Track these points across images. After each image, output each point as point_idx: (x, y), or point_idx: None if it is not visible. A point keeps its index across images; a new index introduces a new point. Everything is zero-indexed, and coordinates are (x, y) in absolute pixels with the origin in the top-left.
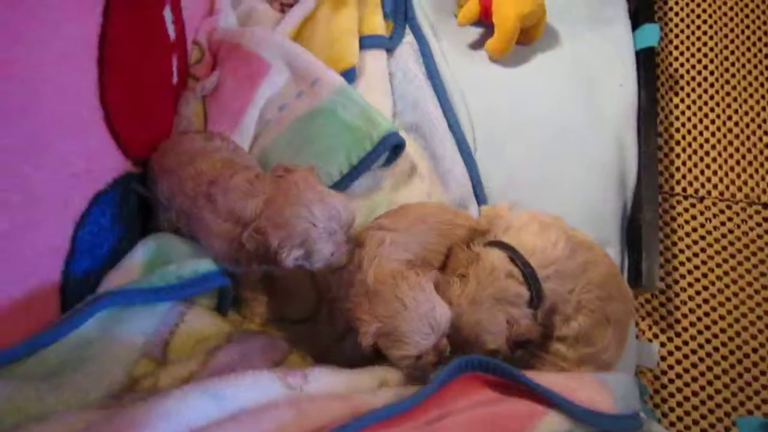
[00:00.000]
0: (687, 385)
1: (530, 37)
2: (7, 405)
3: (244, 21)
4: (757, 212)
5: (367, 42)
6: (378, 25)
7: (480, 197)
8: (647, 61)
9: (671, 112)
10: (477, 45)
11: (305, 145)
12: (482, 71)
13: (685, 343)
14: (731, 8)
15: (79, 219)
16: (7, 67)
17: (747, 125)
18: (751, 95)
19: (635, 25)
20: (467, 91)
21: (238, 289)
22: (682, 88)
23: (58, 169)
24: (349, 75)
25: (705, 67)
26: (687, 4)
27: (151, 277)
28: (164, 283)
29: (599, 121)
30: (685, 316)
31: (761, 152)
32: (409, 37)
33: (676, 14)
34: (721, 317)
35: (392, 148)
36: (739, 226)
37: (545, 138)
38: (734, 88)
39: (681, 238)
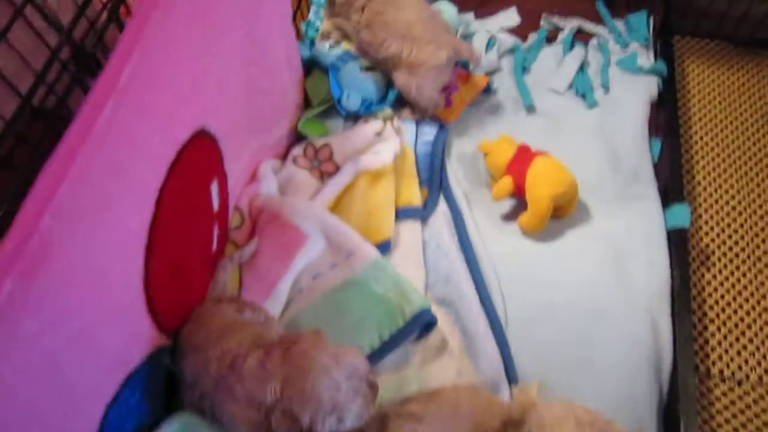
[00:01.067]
0: None
1: (563, 212)
2: None
3: (284, 186)
4: None
5: (402, 214)
6: (413, 196)
7: (511, 377)
8: (679, 241)
9: (703, 289)
10: (510, 217)
11: (336, 316)
12: (514, 244)
13: None
14: (758, 185)
15: (110, 401)
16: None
17: None
18: None
19: (665, 203)
20: (499, 264)
21: None
22: (713, 264)
23: (97, 360)
24: (384, 247)
25: (736, 243)
26: (714, 179)
27: None
28: None
29: (632, 302)
30: None
31: None
32: (443, 206)
33: (705, 189)
34: None
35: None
36: None
37: (578, 318)
38: (767, 265)
39: (720, 425)
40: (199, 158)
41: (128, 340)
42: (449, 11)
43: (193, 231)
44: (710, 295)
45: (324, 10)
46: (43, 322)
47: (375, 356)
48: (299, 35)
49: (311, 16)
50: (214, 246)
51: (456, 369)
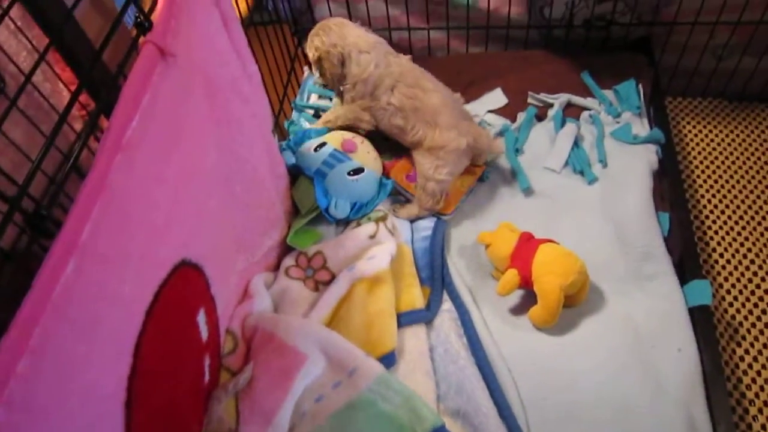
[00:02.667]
0: None
1: (575, 300)
2: None
3: (278, 301)
4: None
5: (405, 319)
6: (415, 298)
7: None
8: (703, 319)
9: (737, 367)
10: (519, 310)
11: None
12: (528, 341)
13: None
14: None
15: None
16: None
17: None
18: None
19: (682, 280)
20: (514, 365)
21: None
22: (743, 338)
23: None
24: (389, 359)
25: (764, 312)
26: (730, 244)
27: None
28: None
29: (662, 395)
30: None
31: None
32: (447, 304)
33: (721, 256)
34: None
35: None
36: None
37: (605, 419)
38: None
39: None
40: (182, 291)
41: None
42: None
43: (181, 369)
44: (745, 372)
45: (338, 97)
46: None
47: None
48: (283, 135)
49: (294, 115)
50: (206, 377)
51: None
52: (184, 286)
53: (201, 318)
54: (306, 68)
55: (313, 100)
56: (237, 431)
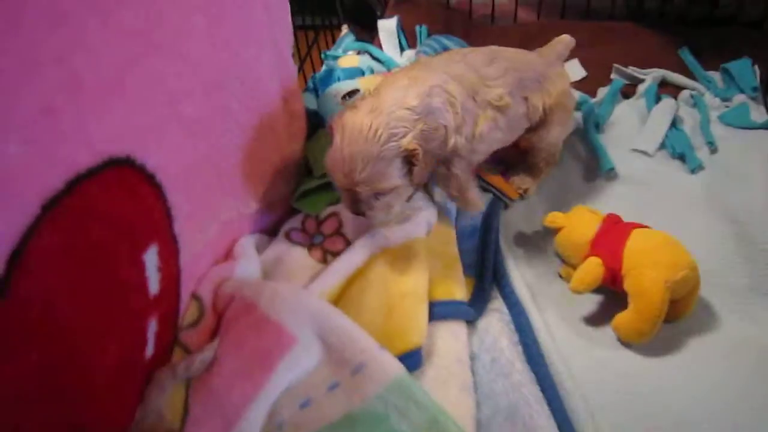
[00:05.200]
0: None
1: (680, 312)
2: None
3: (270, 269)
4: None
5: (440, 310)
6: (456, 287)
7: None
8: None
9: None
10: (598, 320)
11: None
12: (610, 360)
13: None
14: None
15: None
16: None
17: None
18: None
19: None
20: (589, 388)
21: None
22: None
23: None
24: (413, 359)
25: None
26: None
27: None
28: None
29: None
30: None
31: None
32: (498, 303)
33: None
34: None
35: None
36: None
37: None
38: None
39: None
40: (118, 201)
41: None
42: None
43: (102, 319)
44: None
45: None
46: None
47: None
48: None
49: (323, 69)
50: (149, 350)
51: None
52: (124, 197)
53: (150, 259)
54: (345, 26)
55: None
56: None
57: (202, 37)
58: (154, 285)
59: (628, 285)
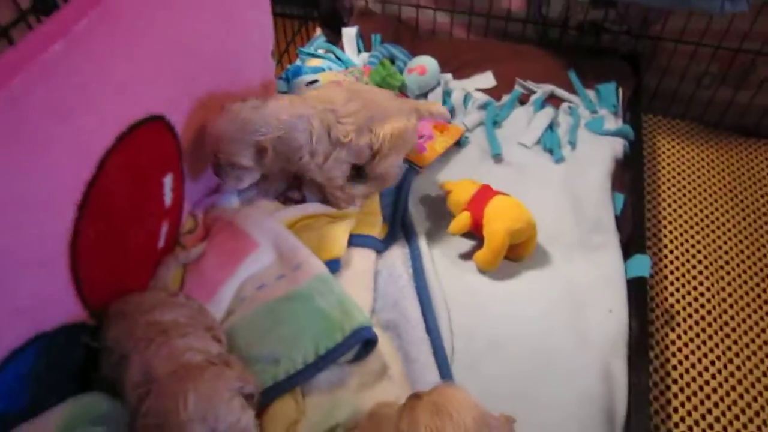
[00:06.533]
0: None
1: (519, 254)
2: None
3: (244, 205)
4: None
5: (358, 240)
6: (374, 227)
7: None
8: (639, 291)
9: (667, 348)
10: (467, 257)
11: (273, 327)
12: (469, 280)
13: None
14: (723, 249)
15: (8, 355)
16: None
17: (748, 370)
18: (746, 333)
19: (627, 255)
20: (451, 298)
21: None
22: (678, 325)
23: (9, 296)
24: (334, 265)
25: (702, 306)
26: (680, 237)
27: None
28: None
29: (585, 346)
30: None
31: (761, 395)
32: (401, 241)
33: (669, 249)
34: None
35: (363, 343)
36: None
37: (525, 357)
38: (733, 330)
39: None
40: (153, 143)
41: (45, 296)
42: (431, 65)
43: (138, 215)
44: (674, 354)
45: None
46: None
47: (309, 371)
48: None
49: (297, 61)
50: (161, 242)
51: (395, 395)
52: (157, 139)
53: (167, 182)
54: (318, 29)
55: (320, 53)
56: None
57: (212, 41)
58: (168, 200)
59: (484, 231)
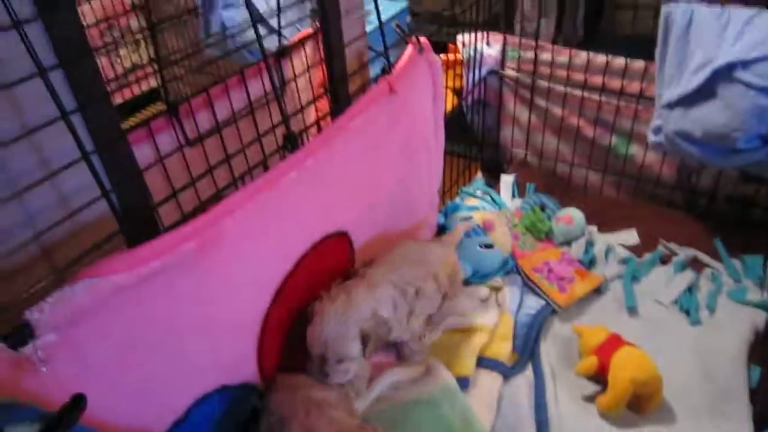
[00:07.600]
0: None
1: (644, 406)
2: None
3: None
4: None
5: (487, 363)
6: (503, 352)
7: None
8: None
9: None
10: (590, 399)
11: (399, 427)
12: (590, 424)
13: None
14: None
15: (203, 395)
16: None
17: None
18: None
19: (759, 428)
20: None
21: None
22: None
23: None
24: (463, 383)
25: None
26: None
27: None
28: None
29: None
30: None
31: None
32: (528, 372)
33: None
34: None
35: None
36: None
37: None
38: None
39: None
40: (336, 252)
41: (238, 357)
42: (577, 216)
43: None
44: None
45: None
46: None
47: None
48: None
49: (458, 199)
50: None
51: None
52: (337, 249)
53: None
54: (479, 172)
55: (479, 194)
56: None
57: (392, 174)
58: None
59: (609, 376)
